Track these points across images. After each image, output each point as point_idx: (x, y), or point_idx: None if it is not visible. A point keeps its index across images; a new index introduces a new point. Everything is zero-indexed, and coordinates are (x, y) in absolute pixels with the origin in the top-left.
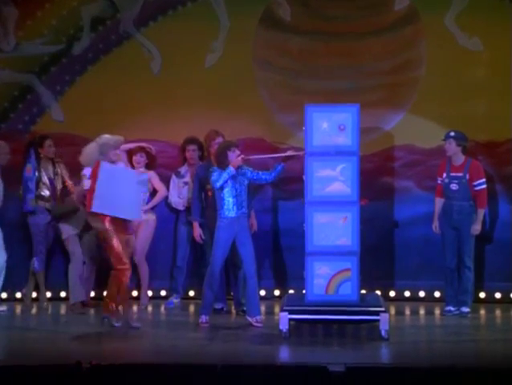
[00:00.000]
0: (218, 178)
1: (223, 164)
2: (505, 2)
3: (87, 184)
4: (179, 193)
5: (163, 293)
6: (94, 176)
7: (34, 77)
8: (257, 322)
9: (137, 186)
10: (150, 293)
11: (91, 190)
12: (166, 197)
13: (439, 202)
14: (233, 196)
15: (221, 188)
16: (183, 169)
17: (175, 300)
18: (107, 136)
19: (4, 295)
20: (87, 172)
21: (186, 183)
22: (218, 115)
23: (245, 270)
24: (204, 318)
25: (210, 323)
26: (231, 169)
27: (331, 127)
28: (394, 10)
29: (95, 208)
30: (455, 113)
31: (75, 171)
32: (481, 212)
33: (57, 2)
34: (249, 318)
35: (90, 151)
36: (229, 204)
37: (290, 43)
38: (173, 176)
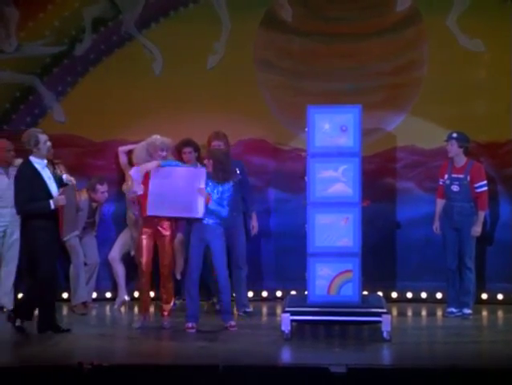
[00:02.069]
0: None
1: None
2: (506, 4)
3: (137, 187)
4: None
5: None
6: (146, 182)
7: (36, 78)
8: (231, 326)
9: (192, 182)
10: (152, 294)
11: (145, 195)
12: None
13: (440, 203)
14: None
15: None
16: None
17: (177, 301)
18: (154, 137)
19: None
20: (133, 174)
21: None
22: (220, 116)
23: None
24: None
25: (211, 324)
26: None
27: (332, 128)
28: (395, 11)
29: (150, 212)
30: (456, 114)
31: (76, 172)
32: (481, 214)
33: (59, 4)
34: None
35: (138, 151)
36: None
37: (292, 45)
38: None
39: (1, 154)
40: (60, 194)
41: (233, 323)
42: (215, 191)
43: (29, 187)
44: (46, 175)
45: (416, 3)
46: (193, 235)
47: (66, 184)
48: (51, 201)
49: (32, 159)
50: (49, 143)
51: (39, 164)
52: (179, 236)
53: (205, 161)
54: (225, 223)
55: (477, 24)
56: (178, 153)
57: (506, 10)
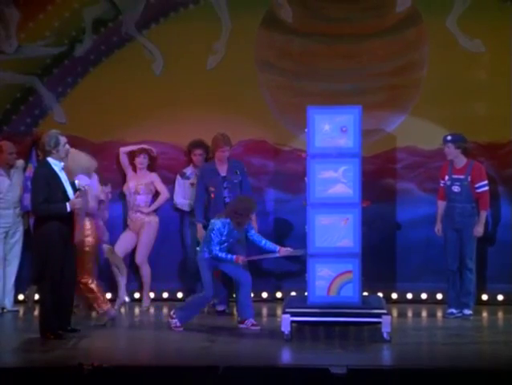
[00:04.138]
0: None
1: (241, 224)
2: (506, 4)
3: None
4: (184, 194)
5: (165, 295)
6: None
7: (37, 79)
8: (253, 325)
9: None
10: (152, 294)
11: None
12: (171, 198)
13: (441, 205)
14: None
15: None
16: (188, 170)
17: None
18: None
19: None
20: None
21: (193, 184)
22: (220, 116)
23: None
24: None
25: (212, 325)
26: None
27: (333, 129)
28: (396, 12)
29: None
30: (457, 115)
31: None
32: (483, 215)
33: (59, 4)
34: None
35: None
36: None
37: (292, 45)
38: (178, 177)
39: (3, 156)
40: (76, 197)
41: (250, 326)
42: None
43: (46, 187)
44: (63, 177)
45: (416, 4)
46: (205, 260)
47: (78, 190)
48: (68, 204)
49: (50, 160)
50: (67, 146)
51: (57, 165)
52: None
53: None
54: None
55: (478, 25)
56: (188, 153)
57: (506, 10)
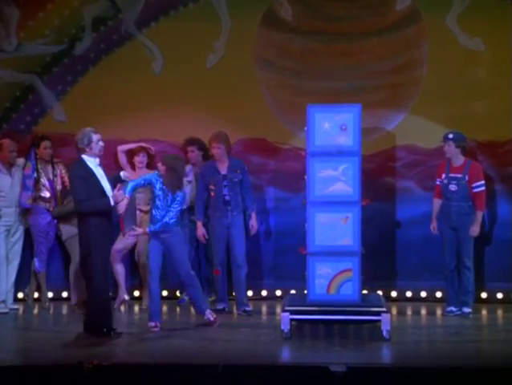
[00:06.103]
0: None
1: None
2: (506, 2)
3: None
4: None
5: (164, 293)
6: None
7: (36, 77)
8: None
9: None
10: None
11: None
12: None
13: (437, 203)
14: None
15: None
16: (187, 168)
17: (186, 297)
18: None
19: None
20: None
21: (190, 182)
22: (219, 115)
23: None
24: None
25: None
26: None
27: (332, 128)
28: (395, 10)
29: None
30: (456, 113)
31: None
32: (479, 215)
33: (59, 3)
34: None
35: None
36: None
37: (292, 43)
38: None
39: (4, 154)
40: (118, 190)
41: (210, 317)
42: (166, 198)
43: (84, 185)
44: (99, 173)
45: (415, 2)
46: (151, 237)
47: (123, 181)
48: (111, 198)
49: (84, 157)
50: (101, 143)
51: (92, 162)
52: None
53: (159, 165)
54: (167, 228)
55: (477, 23)
56: (184, 152)
57: (506, 8)
